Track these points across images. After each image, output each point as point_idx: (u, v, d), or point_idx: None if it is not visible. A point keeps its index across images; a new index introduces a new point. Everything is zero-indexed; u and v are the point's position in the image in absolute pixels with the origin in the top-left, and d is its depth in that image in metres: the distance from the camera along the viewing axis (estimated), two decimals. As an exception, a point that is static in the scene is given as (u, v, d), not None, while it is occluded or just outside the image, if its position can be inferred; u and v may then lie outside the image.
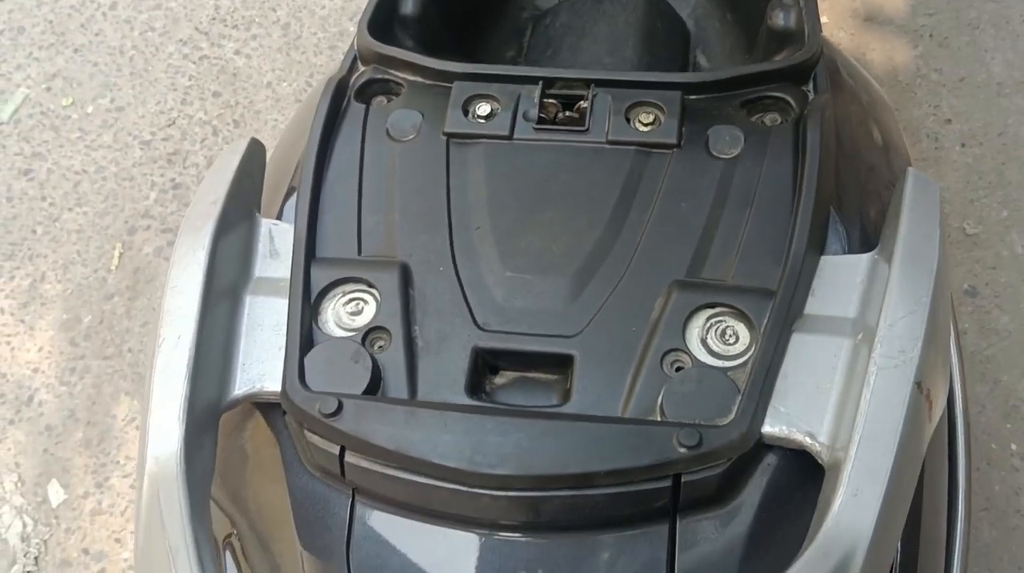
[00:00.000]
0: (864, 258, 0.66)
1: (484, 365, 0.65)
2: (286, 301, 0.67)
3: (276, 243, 0.71)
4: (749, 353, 0.63)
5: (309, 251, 0.70)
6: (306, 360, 0.64)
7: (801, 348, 0.62)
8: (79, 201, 1.84)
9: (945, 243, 0.67)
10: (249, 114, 1.92)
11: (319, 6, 2.06)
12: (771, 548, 0.61)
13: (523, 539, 0.60)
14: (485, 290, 0.67)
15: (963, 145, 1.76)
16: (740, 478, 0.61)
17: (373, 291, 0.68)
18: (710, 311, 0.64)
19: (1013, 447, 1.49)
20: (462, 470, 0.58)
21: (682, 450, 0.57)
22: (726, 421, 0.59)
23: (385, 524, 0.63)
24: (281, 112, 1.92)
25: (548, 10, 1.07)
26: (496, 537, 0.60)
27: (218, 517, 0.70)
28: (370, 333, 0.66)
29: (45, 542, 1.52)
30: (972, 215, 1.69)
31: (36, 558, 1.50)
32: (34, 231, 1.81)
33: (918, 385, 0.57)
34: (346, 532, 0.62)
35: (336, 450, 0.62)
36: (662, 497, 0.59)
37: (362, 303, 0.68)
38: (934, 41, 1.89)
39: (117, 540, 1.52)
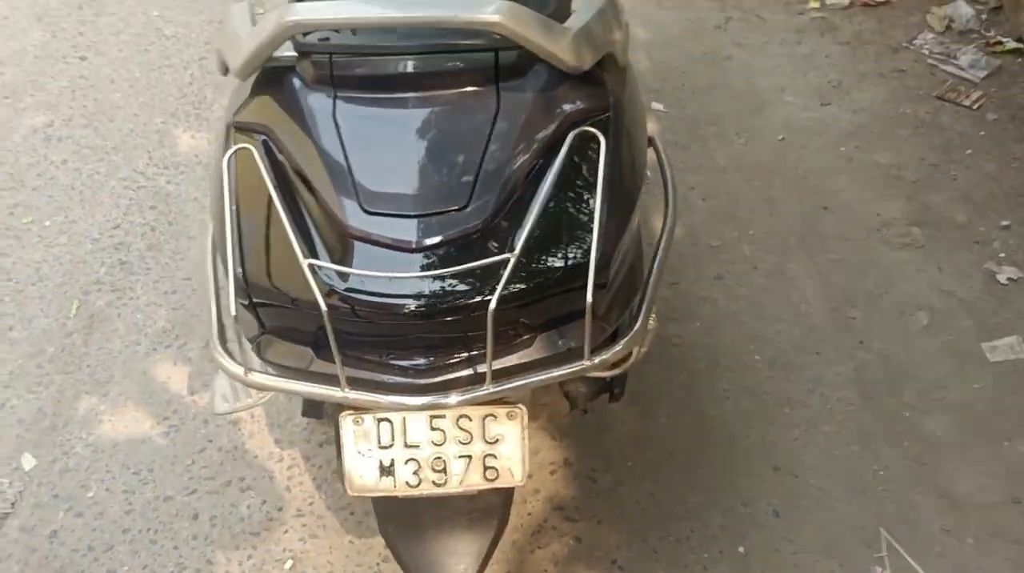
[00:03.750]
0: None
1: None
2: None
3: None
4: None
5: None
6: None
7: None
8: (40, 278, 2.31)
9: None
10: (180, 217, 2.49)
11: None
12: None
13: None
14: None
15: (703, 200, 2.52)
16: None
17: None
18: None
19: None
20: None
21: None
22: None
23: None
24: (206, 216, 2.49)
25: None
26: None
27: None
28: None
29: (20, 493, 1.84)
30: (714, 235, 2.40)
31: (13, 503, 1.82)
32: (1, 301, 2.24)
33: None
34: None
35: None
36: None
37: None
38: (678, 147, 2.70)
39: (83, 486, 1.85)
